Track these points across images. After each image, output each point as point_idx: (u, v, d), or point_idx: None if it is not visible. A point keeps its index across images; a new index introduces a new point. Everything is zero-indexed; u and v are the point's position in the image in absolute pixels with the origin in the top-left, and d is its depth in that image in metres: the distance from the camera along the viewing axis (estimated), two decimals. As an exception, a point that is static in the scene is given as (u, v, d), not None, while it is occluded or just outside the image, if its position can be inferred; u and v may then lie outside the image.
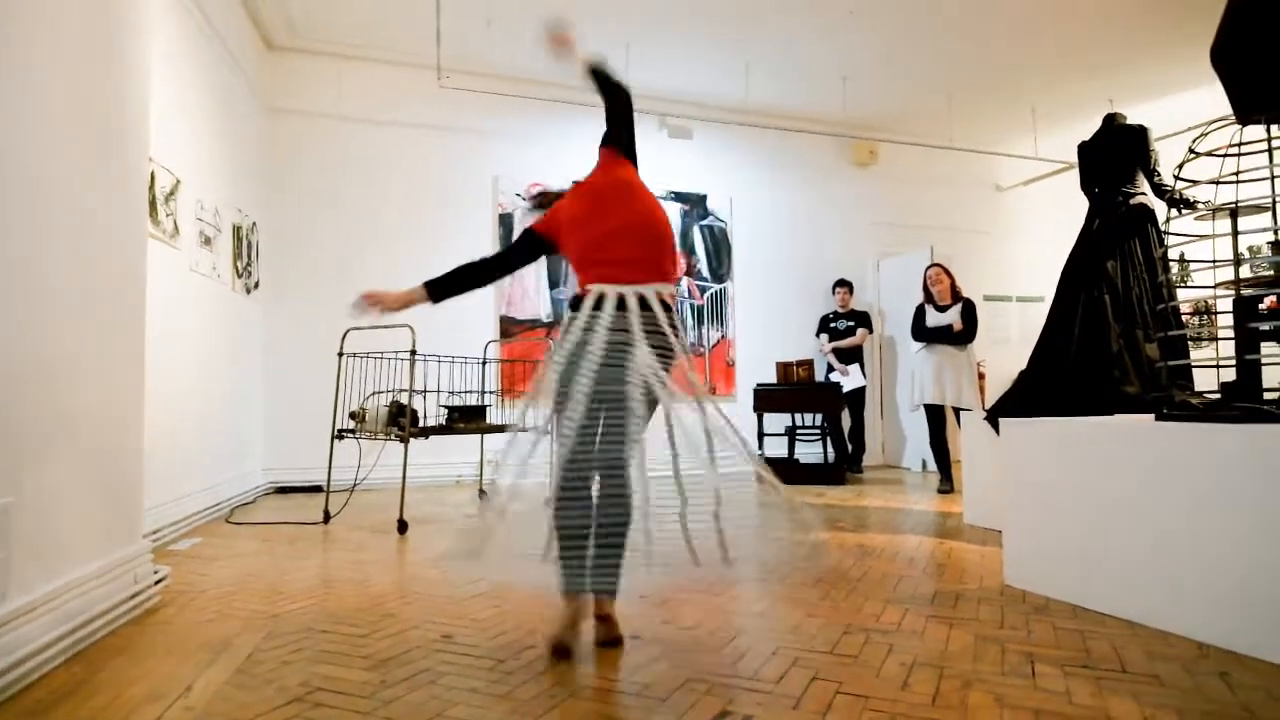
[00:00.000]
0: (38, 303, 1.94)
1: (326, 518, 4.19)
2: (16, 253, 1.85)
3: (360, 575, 2.96)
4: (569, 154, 6.53)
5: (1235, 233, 2.35)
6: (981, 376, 6.00)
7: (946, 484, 5.24)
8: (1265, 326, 2.41)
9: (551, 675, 1.87)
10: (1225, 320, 2.45)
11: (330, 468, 4.27)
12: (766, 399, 6.22)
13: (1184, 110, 6.93)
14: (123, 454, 2.44)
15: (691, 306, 6.98)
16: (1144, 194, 3.69)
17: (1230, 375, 2.35)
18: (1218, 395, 2.37)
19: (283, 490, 5.53)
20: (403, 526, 3.87)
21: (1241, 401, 2.20)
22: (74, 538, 2.12)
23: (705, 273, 7.06)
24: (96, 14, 2.29)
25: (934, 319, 5.38)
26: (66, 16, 2.11)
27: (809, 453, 6.61)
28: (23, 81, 1.88)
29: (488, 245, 6.26)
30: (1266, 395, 2.23)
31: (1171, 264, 3.10)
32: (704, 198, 7.06)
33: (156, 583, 2.57)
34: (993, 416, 3.70)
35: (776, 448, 6.57)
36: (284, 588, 2.77)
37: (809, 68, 6.41)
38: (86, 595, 2.12)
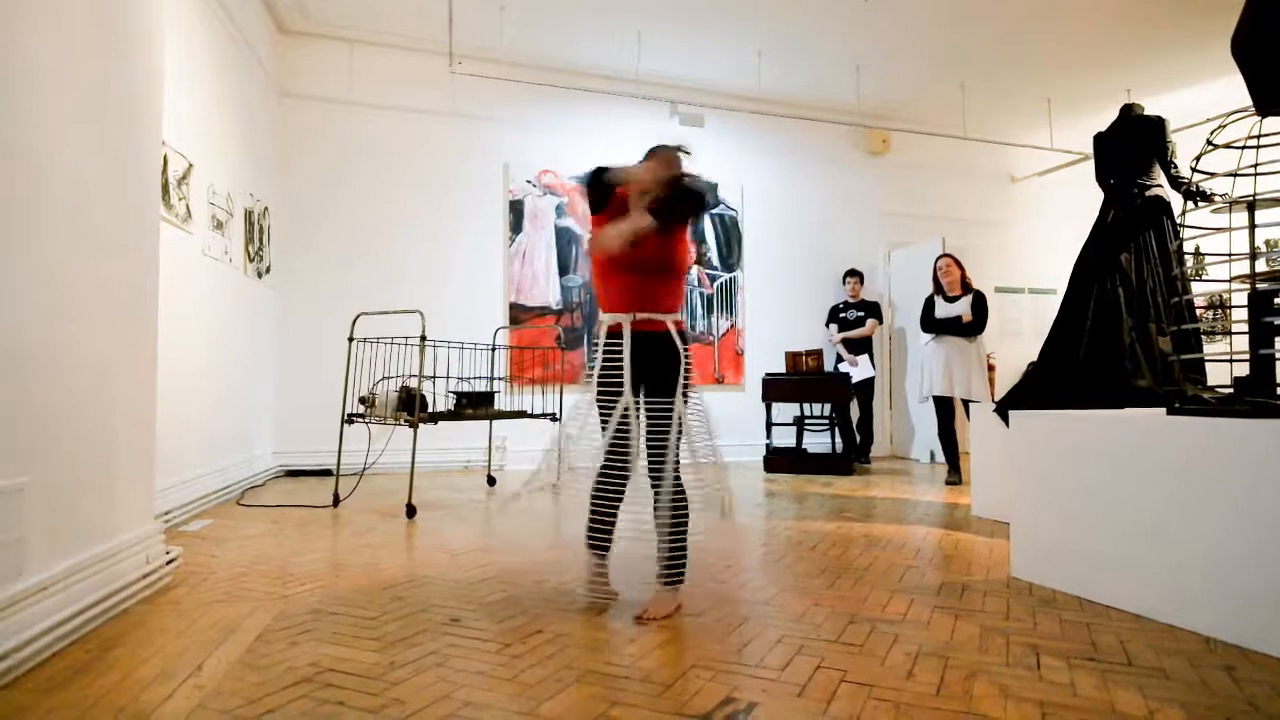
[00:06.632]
0: (50, 287, 1.96)
1: (336, 501, 4.23)
2: (29, 236, 1.86)
3: (369, 558, 2.98)
4: (579, 141, 6.51)
5: (1252, 226, 2.33)
6: (991, 368, 5.98)
7: (954, 475, 5.23)
8: (1280, 321, 2.39)
9: (558, 660, 1.88)
10: (1239, 314, 2.42)
11: (340, 452, 4.31)
12: (775, 388, 6.22)
13: (1203, 102, 6.86)
14: (135, 435, 2.46)
15: (701, 295, 6.97)
16: (1160, 186, 3.65)
17: (1243, 370, 2.33)
18: (1230, 390, 2.35)
19: (293, 473, 5.57)
20: (411, 511, 3.90)
21: (1253, 396, 2.19)
22: (86, 518, 2.15)
23: (715, 261, 7.04)
24: (109, -4, 2.30)
25: (943, 310, 5.36)
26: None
27: (817, 443, 6.60)
28: (34, 65, 1.89)
29: (498, 232, 6.27)
30: (1279, 391, 2.21)
31: (1187, 257, 3.08)
32: (715, 186, 7.03)
33: (168, 563, 2.60)
34: (1002, 408, 3.69)
35: (785, 437, 6.57)
36: (293, 570, 2.80)
37: (822, 56, 6.35)
38: (99, 575, 2.15)
